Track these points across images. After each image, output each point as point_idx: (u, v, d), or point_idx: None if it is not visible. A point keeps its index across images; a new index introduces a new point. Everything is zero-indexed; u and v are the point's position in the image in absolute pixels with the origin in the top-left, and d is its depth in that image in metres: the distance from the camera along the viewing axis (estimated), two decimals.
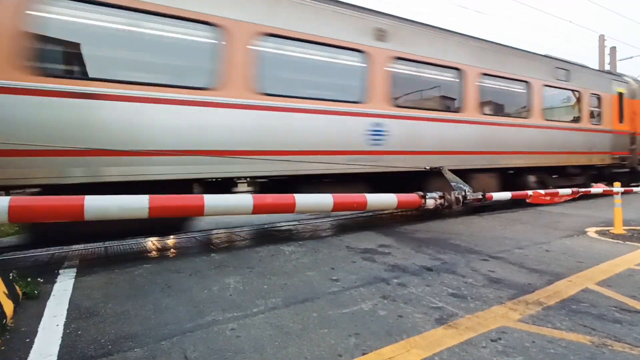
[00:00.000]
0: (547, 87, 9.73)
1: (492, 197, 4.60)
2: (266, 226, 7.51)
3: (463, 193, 4.20)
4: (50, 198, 2.40)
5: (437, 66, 7.62)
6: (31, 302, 3.31)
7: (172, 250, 5.69)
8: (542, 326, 2.77)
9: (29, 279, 3.67)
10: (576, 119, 10.72)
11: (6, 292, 3.07)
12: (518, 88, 9.25)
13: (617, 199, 6.31)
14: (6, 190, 4.80)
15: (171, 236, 6.49)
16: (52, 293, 3.55)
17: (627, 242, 5.50)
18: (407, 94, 7.64)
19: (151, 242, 6.14)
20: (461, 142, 7.86)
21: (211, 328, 2.78)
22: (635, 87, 12.98)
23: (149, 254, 5.38)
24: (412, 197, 3.72)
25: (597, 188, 7.02)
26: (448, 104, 8.23)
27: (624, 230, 6.23)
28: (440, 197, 3.89)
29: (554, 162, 9.85)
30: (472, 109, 8.03)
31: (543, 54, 10.14)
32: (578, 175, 10.94)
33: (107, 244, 6.05)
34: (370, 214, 9.15)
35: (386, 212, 9.25)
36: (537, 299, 3.30)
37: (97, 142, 4.47)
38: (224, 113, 5.32)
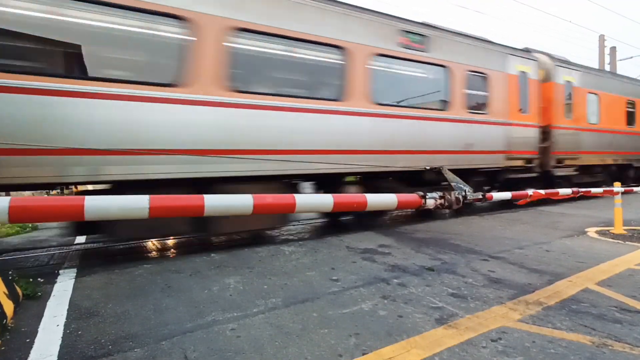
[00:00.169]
0: (383, 58, 6.82)
1: (492, 197, 4.60)
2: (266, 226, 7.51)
3: (463, 193, 4.19)
4: (51, 198, 2.40)
5: None
6: (31, 302, 3.31)
7: (172, 250, 5.69)
8: (542, 326, 2.77)
9: (29, 279, 3.67)
10: (442, 106, 7.68)
11: (6, 292, 3.07)
12: (324, 57, 6.38)
13: (617, 199, 6.32)
14: None
15: (171, 236, 6.50)
16: (53, 293, 3.55)
17: (627, 242, 5.50)
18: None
19: (151, 242, 6.14)
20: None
21: (211, 328, 2.78)
22: (549, 67, 9.91)
23: (149, 254, 5.38)
24: (412, 197, 3.72)
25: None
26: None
27: (624, 230, 6.23)
28: (441, 197, 3.89)
29: (394, 165, 6.76)
30: (208, 84, 5.21)
31: (380, 11, 6.97)
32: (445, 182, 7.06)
33: (107, 244, 6.06)
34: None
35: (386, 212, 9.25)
36: (538, 299, 3.30)
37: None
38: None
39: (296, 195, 2.96)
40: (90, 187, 5.74)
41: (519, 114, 8.92)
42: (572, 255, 4.80)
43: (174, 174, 4.95)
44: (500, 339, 2.58)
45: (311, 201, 3.28)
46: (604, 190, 6.55)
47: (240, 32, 5.44)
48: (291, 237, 6.40)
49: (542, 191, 5.17)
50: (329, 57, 6.38)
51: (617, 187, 6.38)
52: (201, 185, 5.03)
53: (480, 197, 4.27)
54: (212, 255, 4.93)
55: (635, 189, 7.05)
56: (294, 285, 3.71)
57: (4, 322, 2.74)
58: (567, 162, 10.25)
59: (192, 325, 2.83)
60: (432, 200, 3.78)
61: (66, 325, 2.85)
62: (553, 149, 9.78)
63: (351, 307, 3.15)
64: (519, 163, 9.02)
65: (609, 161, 11.86)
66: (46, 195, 10.33)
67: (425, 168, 5.65)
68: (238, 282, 3.81)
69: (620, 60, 25.42)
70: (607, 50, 22.68)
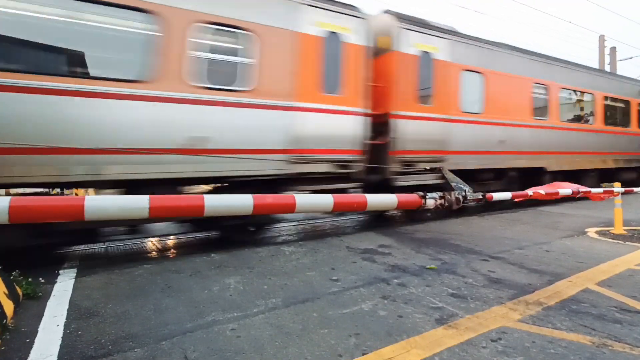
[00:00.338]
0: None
1: (492, 197, 4.60)
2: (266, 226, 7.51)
3: (463, 193, 4.19)
4: (51, 198, 2.39)
5: None
6: (31, 302, 3.31)
7: (172, 250, 5.70)
8: (542, 326, 2.77)
9: (29, 279, 3.67)
10: (132, 78, 4.70)
11: (6, 292, 3.07)
12: None
13: (617, 199, 6.32)
14: None
15: (171, 236, 6.50)
16: (53, 293, 3.55)
17: (627, 243, 5.50)
18: None
19: (151, 242, 6.14)
20: None
21: (211, 328, 2.78)
22: (391, 29, 7.10)
23: (149, 254, 5.38)
24: (412, 197, 3.71)
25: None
26: None
27: (624, 230, 6.23)
28: (441, 198, 3.88)
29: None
30: None
31: None
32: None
33: (107, 244, 6.06)
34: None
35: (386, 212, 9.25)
36: (538, 299, 3.30)
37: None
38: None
39: (296, 195, 2.97)
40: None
41: (320, 95, 6.08)
42: (572, 255, 4.80)
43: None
44: (500, 339, 2.58)
45: (311, 201, 3.28)
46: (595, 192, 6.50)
47: None
48: (291, 237, 6.41)
49: (542, 191, 5.17)
50: None
51: (617, 187, 6.38)
52: None
53: (480, 197, 4.28)
54: (212, 255, 4.93)
55: (635, 189, 7.04)
56: (294, 286, 3.71)
57: (4, 322, 2.74)
58: (423, 166, 7.15)
59: (192, 325, 2.83)
60: (432, 200, 3.78)
61: (66, 325, 2.85)
62: (393, 148, 6.89)
63: (351, 307, 3.15)
64: (323, 168, 6.13)
65: (508, 164, 8.69)
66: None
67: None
68: (238, 282, 3.81)
69: (621, 60, 25.43)
70: (607, 51, 22.68)
